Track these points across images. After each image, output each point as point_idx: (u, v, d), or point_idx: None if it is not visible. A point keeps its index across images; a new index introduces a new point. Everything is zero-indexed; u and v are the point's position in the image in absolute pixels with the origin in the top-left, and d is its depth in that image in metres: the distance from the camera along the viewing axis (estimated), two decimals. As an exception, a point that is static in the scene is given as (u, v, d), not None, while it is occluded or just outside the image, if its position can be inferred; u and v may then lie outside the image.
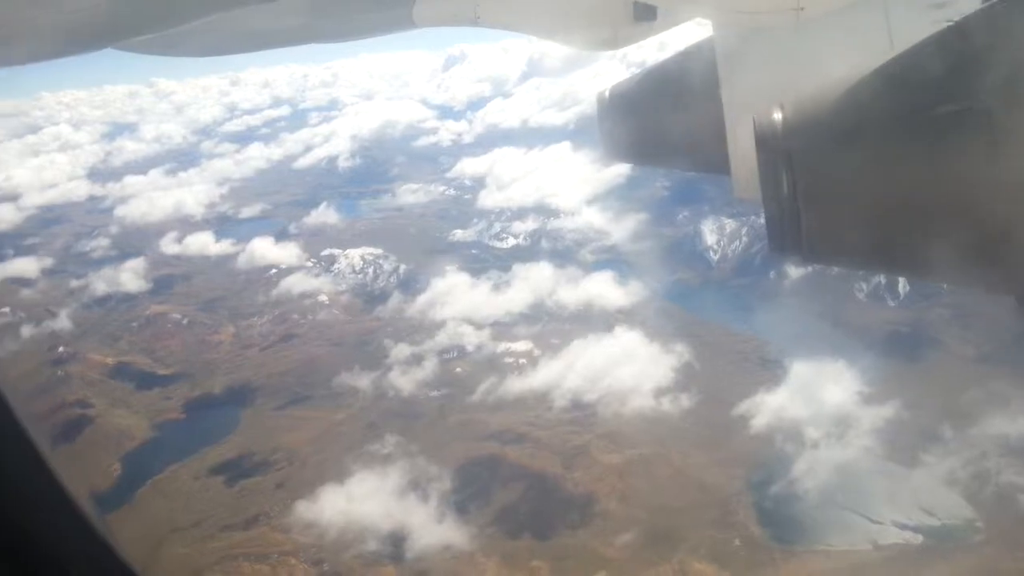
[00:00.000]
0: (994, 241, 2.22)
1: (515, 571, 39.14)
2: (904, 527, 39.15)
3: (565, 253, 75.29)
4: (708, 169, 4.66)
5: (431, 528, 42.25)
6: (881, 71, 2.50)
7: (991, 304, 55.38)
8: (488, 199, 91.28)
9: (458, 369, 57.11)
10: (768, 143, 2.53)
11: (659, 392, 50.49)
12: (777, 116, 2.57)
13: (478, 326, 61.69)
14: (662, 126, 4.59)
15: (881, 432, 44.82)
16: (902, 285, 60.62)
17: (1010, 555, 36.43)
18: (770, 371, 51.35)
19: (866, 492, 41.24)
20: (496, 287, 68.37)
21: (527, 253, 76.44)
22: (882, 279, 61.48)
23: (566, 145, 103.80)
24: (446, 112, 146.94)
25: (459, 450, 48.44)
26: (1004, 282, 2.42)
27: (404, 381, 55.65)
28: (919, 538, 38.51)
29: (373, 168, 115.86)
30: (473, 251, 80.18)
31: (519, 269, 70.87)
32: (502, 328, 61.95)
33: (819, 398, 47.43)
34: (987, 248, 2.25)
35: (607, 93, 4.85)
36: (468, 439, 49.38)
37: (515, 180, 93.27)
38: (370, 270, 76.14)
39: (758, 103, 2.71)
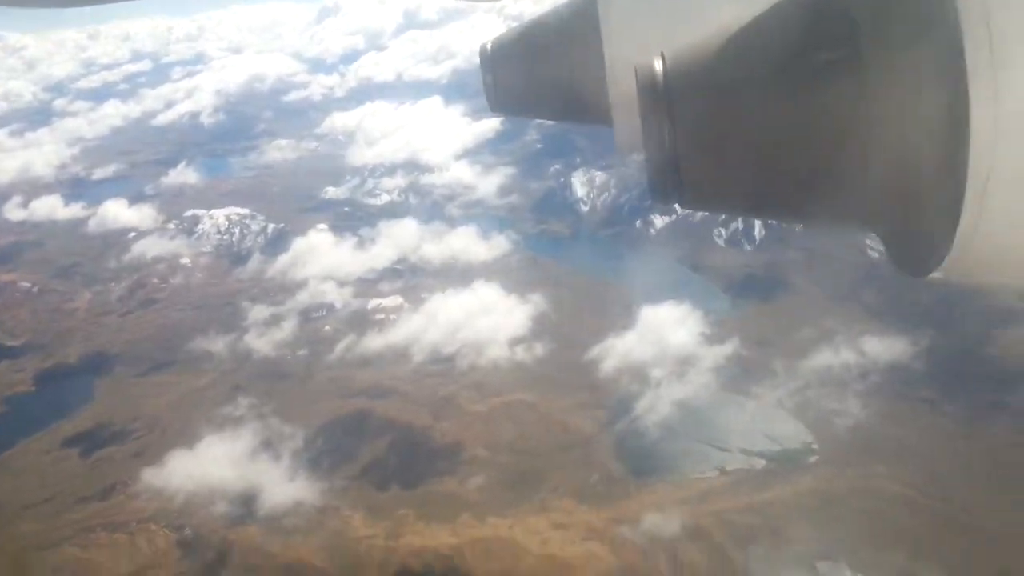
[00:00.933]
0: (861, 184, 2.28)
1: (381, 521, 39.53)
2: (749, 453, 41.68)
3: (433, 209, 75.03)
4: (591, 121, 4.56)
5: (296, 486, 42.03)
6: (758, 21, 2.52)
7: (839, 247, 59.25)
8: (360, 155, 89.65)
9: (325, 327, 56.45)
10: (649, 93, 2.51)
11: (523, 340, 51.52)
12: (658, 66, 2.54)
13: (342, 283, 61.04)
14: (545, 78, 4.42)
15: (731, 368, 47.38)
16: (758, 230, 63.57)
17: (841, 472, 39.52)
18: (632, 316, 52.95)
19: (715, 424, 43.67)
20: (362, 244, 67.67)
21: (399, 209, 75.80)
22: (740, 225, 64.42)
23: (438, 99, 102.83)
24: (318, 65, 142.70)
25: (327, 408, 48.19)
26: (868, 223, 2.47)
27: (269, 342, 54.68)
28: (762, 462, 41.08)
29: (240, 124, 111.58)
30: (345, 208, 78.81)
31: (387, 225, 70.29)
32: (366, 285, 61.49)
33: (672, 340, 49.53)
34: (855, 191, 2.31)
35: (489, 45, 4.62)
36: (336, 396, 49.14)
37: (386, 135, 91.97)
38: (236, 231, 73.79)
39: (640, 55, 2.66)
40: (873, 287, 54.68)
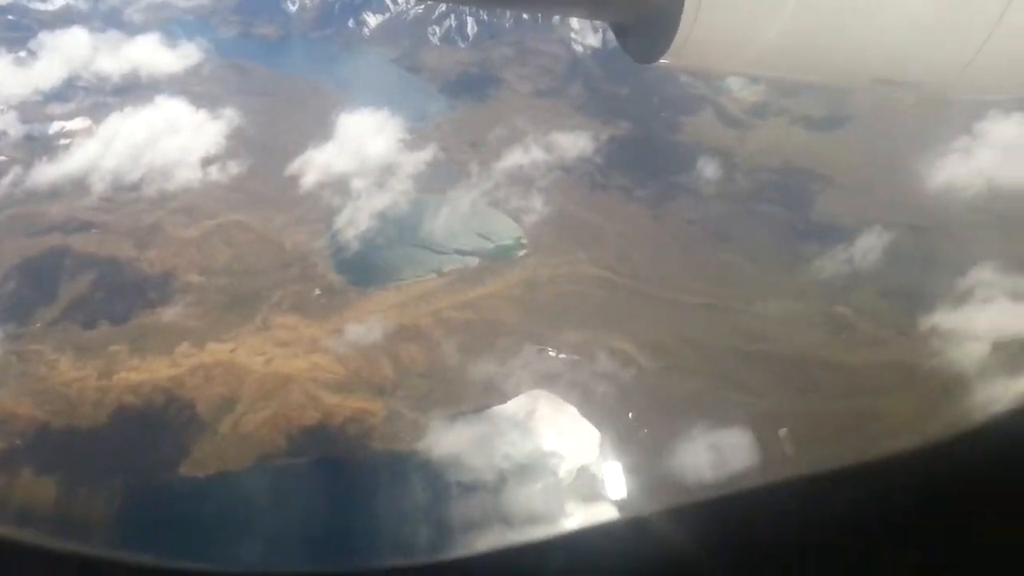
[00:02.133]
0: None
1: (91, 360, 37.60)
2: (463, 253, 43.78)
3: (109, 15, 65.67)
4: None
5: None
6: None
7: (547, 42, 60.68)
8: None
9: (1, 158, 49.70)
10: None
11: (218, 158, 48.76)
12: None
13: (4, 108, 53.24)
14: None
15: (435, 171, 48.34)
16: (471, 26, 63.04)
17: (546, 261, 42.94)
18: (337, 124, 51.45)
19: (430, 229, 45.03)
20: (24, 61, 58.54)
21: (68, 17, 65.67)
22: (453, 22, 63.46)
23: None
24: None
25: (14, 248, 43.60)
26: (599, 11, 2.46)
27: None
28: (476, 260, 43.40)
29: None
30: (9, 17, 67.00)
31: (52, 37, 60.95)
32: (33, 107, 54.23)
33: (372, 148, 49.32)
34: None
35: None
36: (23, 235, 44.47)
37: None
38: None
39: None
40: (578, 81, 57.28)
